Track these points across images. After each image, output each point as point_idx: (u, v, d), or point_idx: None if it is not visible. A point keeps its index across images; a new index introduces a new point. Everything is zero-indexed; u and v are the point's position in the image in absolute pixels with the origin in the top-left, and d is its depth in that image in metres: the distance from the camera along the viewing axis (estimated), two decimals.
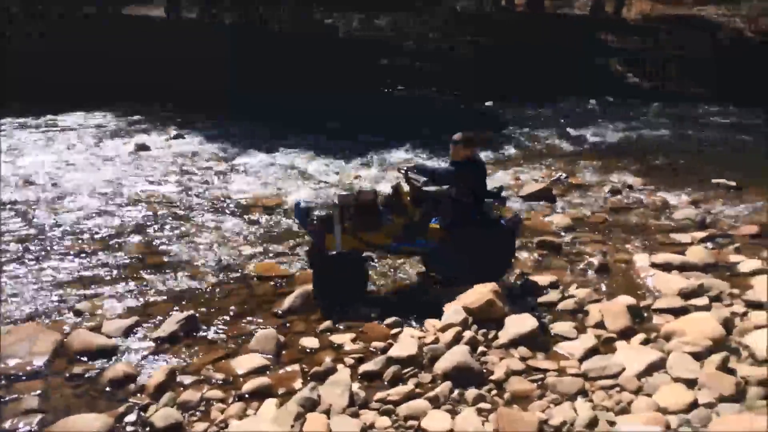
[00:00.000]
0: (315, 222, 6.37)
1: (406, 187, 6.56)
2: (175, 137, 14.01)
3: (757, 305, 5.79)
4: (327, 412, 4.43)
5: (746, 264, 6.84)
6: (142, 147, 12.98)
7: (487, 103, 18.30)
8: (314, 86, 17.87)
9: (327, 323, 5.84)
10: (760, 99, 16.93)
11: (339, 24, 23.06)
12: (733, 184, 10.22)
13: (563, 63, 20.82)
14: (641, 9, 26.41)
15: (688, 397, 4.36)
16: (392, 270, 7.10)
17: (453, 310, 5.69)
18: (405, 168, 6.66)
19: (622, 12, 25.32)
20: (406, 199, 6.45)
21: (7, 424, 4.50)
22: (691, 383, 4.56)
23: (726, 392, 4.36)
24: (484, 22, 23.32)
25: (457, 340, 5.33)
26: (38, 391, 4.87)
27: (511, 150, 13.19)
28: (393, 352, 5.17)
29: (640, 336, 5.38)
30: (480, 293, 5.80)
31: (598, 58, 22.84)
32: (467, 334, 5.40)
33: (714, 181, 10.40)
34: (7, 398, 4.80)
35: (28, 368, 5.19)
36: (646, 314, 5.86)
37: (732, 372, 4.62)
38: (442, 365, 4.94)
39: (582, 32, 23.24)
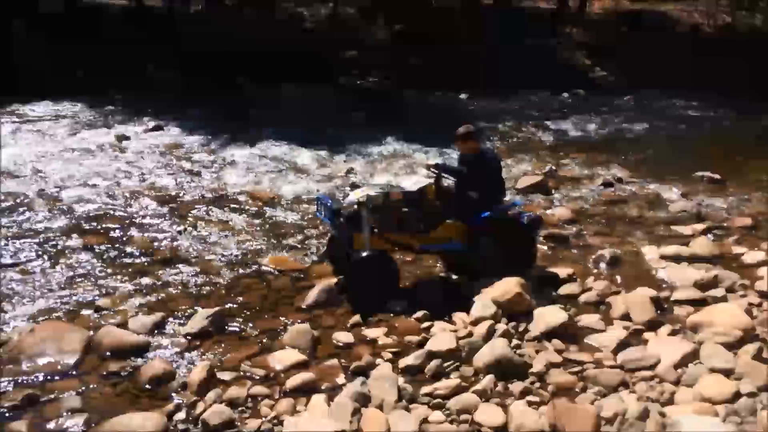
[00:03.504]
0: (343, 222, 6.29)
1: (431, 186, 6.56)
2: (154, 128, 13.72)
3: None
4: (380, 407, 4.46)
5: (750, 255, 7.11)
6: (123, 137, 12.70)
7: (461, 95, 18.44)
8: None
9: (356, 317, 5.85)
10: (719, 90, 17.69)
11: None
12: (717, 176, 10.55)
13: (531, 57, 21.09)
14: (604, 4, 27.02)
15: (731, 387, 4.50)
16: (413, 262, 7.13)
17: (482, 304, 5.76)
18: (435, 164, 6.68)
19: (586, 7, 25.78)
20: (433, 198, 6.45)
21: (52, 425, 4.39)
22: (728, 373, 4.72)
23: (766, 381, 4.52)
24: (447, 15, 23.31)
25: (490, 333, 5.40)
26: (76, 390, 4.76)
27: (494, 143, 13.34)
28: (431, 346, 5.21)
29: (667, 327, 5.54)
30: (507, 286, 5.89)
31: (567, 52, 23.25)
32: (500, 327, 5.47)
33: (698, 174, 10.71)
34: (44, 398, 4.68)
35: (59, 367, 5.05)
36: (666, 305, 6.03)
37: (766, 362, 4.80)
38: (483, 359, 4.99)
39: (548, 26, 23.63)
